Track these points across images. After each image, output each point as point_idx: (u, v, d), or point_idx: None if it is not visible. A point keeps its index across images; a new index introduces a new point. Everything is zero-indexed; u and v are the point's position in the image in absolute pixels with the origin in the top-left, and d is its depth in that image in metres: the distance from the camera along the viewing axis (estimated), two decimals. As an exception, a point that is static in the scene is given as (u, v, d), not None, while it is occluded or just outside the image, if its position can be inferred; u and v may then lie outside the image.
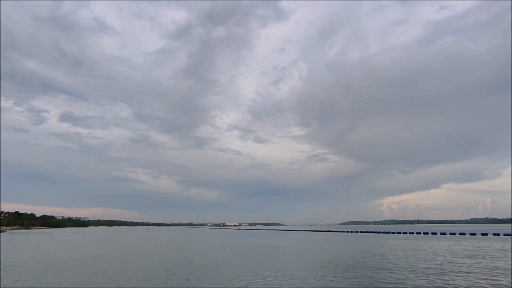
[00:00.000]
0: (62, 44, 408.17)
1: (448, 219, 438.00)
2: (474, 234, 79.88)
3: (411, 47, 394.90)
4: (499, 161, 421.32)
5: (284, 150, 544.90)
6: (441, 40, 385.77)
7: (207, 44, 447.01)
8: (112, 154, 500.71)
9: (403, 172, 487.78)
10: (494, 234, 73.26)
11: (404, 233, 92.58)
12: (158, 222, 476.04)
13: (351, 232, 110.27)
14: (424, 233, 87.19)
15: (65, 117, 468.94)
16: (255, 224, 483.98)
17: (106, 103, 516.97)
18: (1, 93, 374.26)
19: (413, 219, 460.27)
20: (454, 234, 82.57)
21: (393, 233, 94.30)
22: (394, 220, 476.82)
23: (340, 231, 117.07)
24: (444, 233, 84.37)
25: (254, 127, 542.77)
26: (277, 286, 16.51)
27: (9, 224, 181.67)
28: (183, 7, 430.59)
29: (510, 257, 28.28)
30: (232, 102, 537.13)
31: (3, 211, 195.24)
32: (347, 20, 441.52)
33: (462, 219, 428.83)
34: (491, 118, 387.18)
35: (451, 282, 17.09)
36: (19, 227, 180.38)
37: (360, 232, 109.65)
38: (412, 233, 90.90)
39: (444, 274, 19.44)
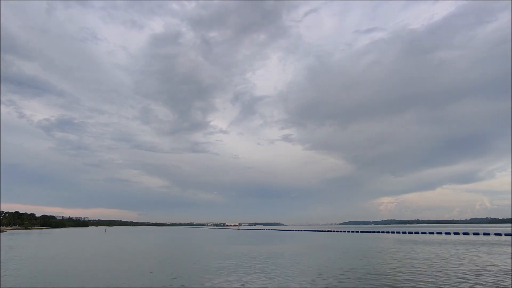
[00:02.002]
0: (59, 50, 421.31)
1: (448, 219, 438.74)
2: (477, 234, 79.56)
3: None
4: (495, 163, 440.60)
5: (282, 151, 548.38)
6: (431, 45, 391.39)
7: (202, 48, 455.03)
8: (112, 156, 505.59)
9: (402, 173, 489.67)
10: (496, 234, 73.34)
11: (410, 232, 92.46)
12: (158, 222, 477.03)
13: (351, 232, 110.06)
14: (428, 233, 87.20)
15: (65, 119, 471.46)
16: (255, 224, 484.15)
17: (105, 106, 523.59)
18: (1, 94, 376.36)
19: (413, 219, 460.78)
20: (457, 233, 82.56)
21: (392, 232, 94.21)
22: (393, 220, 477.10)
23: (340, 231, 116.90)
24: (449, 233, 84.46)
25: (251, 129, 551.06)
26: (278, 286, 16.40)
27: (9, 224, 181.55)
28: (178, 13, 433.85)
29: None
30: (229, 105, 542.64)
31: (3, 211, 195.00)
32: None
33: (462, 219, 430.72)
34: (485, 122, 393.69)
35: None
36: (19, 227, 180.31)
37: (361, 232, 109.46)
38: (418, 232, 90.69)
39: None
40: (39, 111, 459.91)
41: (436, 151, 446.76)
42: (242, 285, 16.81)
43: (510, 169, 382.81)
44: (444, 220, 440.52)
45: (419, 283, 16.97)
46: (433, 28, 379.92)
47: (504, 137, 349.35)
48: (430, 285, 16.53)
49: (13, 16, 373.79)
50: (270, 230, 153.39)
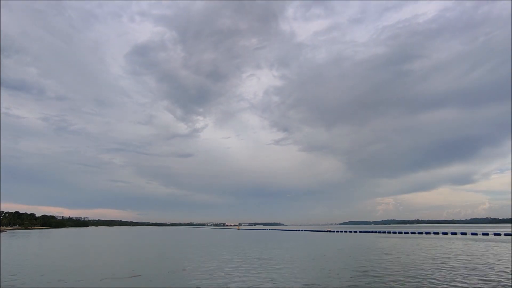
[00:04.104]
0: (58, 55, 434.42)
1: (449, 219, 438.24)
2: (498, 234, 76.92)
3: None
4: (494, 164, 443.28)
5: (281, 153, 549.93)
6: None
7: (194, 52, 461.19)
8: (111, 157, 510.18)
9: (401, 174, 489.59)
10: (495, 234, 73.21)
11: (412, 233, 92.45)
12: (158, 222, 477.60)
13: (352, 232, 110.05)
14: (451, 233, 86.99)
15: (65, 121, 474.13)
16: (255, 224, 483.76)
17: (105, 110, 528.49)
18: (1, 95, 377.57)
19: (413, 219, 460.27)
20: (455, 233, 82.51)
21: (394, 232, 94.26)
22: (393, 219, 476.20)
23: (340, 231, 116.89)
24: (446, 233, 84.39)
25: (248, 131, 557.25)
26: (279, 286, 16.40)
27: (9, 224, 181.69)
28: (164, 19, 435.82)
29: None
30: (226, 108, 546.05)
31: (3, 211, 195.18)
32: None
33: (462, 219, 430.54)
34: (485, 125, 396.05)
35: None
36: (19, 227, 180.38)
37: (360, 232, 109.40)
38: (421, 233, 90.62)
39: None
40: (39, 113, 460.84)
41: (435, 152, 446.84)
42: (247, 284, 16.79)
43: (510, 170, 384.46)
44: (444, 220, 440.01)
45: None
46: (420, 33, 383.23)
47: (503, 140, 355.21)
48: None
49: (12, 21, 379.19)
50: (271, 230, 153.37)
